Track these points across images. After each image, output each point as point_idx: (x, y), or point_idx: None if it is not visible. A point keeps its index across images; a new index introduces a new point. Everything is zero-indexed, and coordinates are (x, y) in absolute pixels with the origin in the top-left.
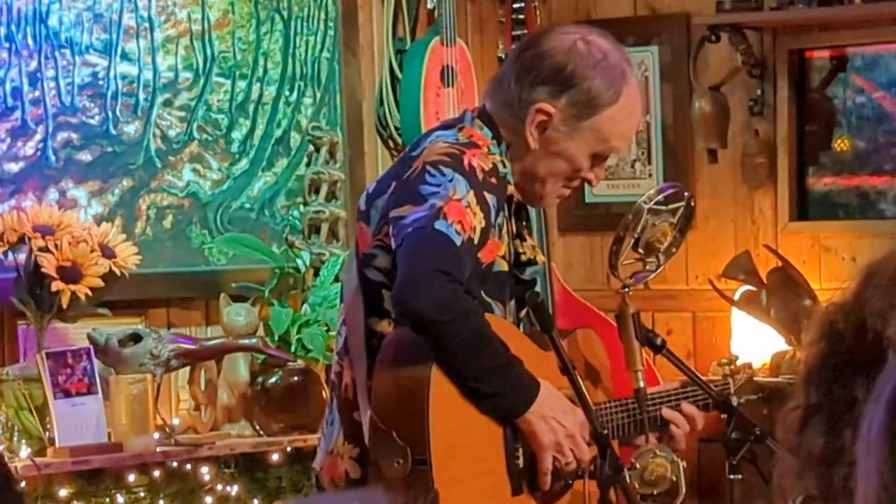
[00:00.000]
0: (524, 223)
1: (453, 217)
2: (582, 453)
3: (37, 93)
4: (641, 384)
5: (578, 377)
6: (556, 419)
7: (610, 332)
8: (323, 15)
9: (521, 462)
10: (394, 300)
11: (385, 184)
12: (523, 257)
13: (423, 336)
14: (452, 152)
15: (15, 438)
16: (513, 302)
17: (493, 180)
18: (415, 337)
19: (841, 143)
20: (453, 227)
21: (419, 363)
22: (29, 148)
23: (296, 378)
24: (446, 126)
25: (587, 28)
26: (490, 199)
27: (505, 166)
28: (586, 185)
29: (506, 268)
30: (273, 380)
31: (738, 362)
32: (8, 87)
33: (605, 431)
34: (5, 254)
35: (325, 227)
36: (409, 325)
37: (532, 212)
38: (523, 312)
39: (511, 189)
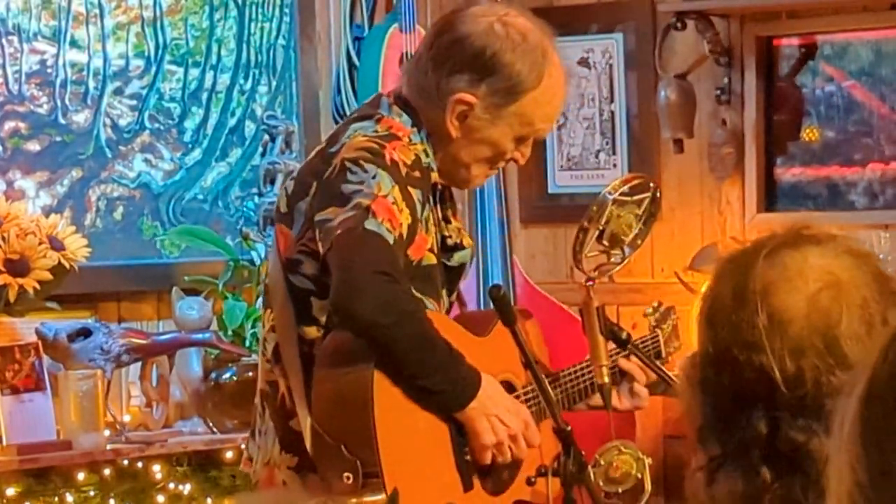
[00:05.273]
0: (448, 206)
1: (382, 215)
2: (521, 453)
3: None
4: (607, 379)
5: (540, 371)
6: (499, 417)
7: (573, 327)
8: (278, 1)
9: (469, 457)
10: (333, 306)
11: (305, 184)
12: (449, 241)
13: (365, 340)
14: (372, 147)
15: None
16: (444, 291)
17: (417, 173)
18: (351, 343)
19: (810, 133)
20: (384, 225)
21: (359, 370)
22: None
23: (250, 373)
24: (363, 117)
25: (503, 7)
26: (415, 193)
27: (428, 155)
28: (549, 176)
29: (434, 260)
30: (227, 375)
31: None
32: None
33: (569, 428)
34: None
35: None
36: (351, 331)
37: (490, 196)
38: (452, 298)
39: (435, 177)
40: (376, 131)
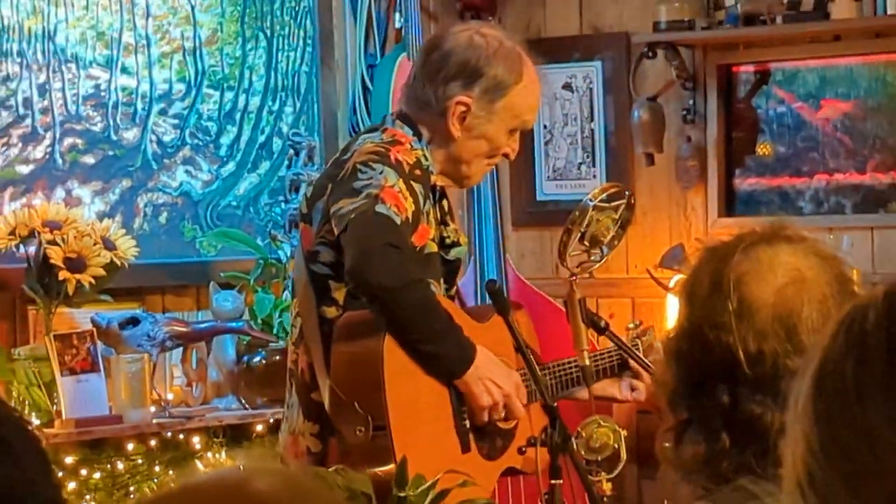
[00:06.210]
0: (447, 209)
1: (390, 201)
2: (516, 412)
3: (45, 102)
4: (587, 362)
5: (530, 354)
6: (493, 380)
7: (558, 316)
8: (302, 33)
9: (467, 422)
10: (350, 273)
11: (322, 186)
12: (447, 240)
13: (377, 303)
14: (379, 150)
15: (26, 412)
16: (442, 280)
17: (418, 172)
18: (365, 316)
19: (764, 148)
20: (392, 209)
21: (372, 339)
22: (38, 152)
23: (277, 357)
24: (371, 130)
25: (475, 23)
26: (417, 187)
27: (427, 159)
28: (537, 186)
29: (436, 249)
30: (257, 359)
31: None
32: (20, 97)
33: (556, 405)
34: (17, 246)
35: None
36: (364, 294)
37: (486, 202)
38: (453, 291)
39: (434, 179)
40: (382, 139)
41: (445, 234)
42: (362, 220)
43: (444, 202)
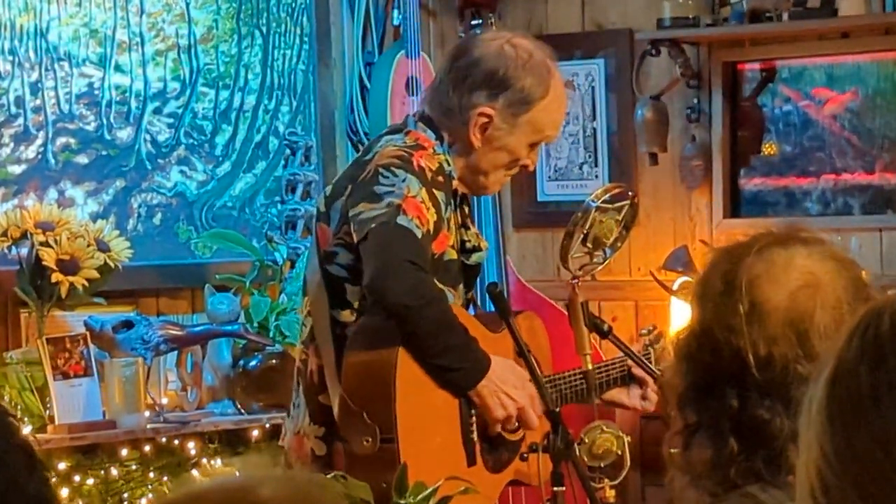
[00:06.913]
0: (467, 213)
1: (412, 213)
2: (530, 423)
3: (38, 101)
4: (590, 366)
5: (533, 359)
6: (508, 393)
7: (560, 320)
8: (299, 30)
9: (474, 436)
10: (369, 289)
11: (342, 186)
12: (468, 244)
13: (395, 319)
14: (402, 155)
15: (18, 416)
16: (461, 286)
17: (440, 178)
18: (381, 326)
19: (770, 148)
20: (413, 221)
21: (386, 350)
22: (31, 151)
23: (274, 361)
24: (394, 131)
25: (508, 32)
26: (439, 195)
27: (449, 164)
28: (539, 186)
29: (455, 256)
30: (253, 363)
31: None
32: (11, 96)
33: (558, 409)
34: (9, 248)
35: (300, 224)
36: (383, 309)
37: (486, 204)
38: (470, 294)
39: (455, 184)
40: (405, 142)
41: (466, 239)
42: (383, 231)
43: (465, 206)
